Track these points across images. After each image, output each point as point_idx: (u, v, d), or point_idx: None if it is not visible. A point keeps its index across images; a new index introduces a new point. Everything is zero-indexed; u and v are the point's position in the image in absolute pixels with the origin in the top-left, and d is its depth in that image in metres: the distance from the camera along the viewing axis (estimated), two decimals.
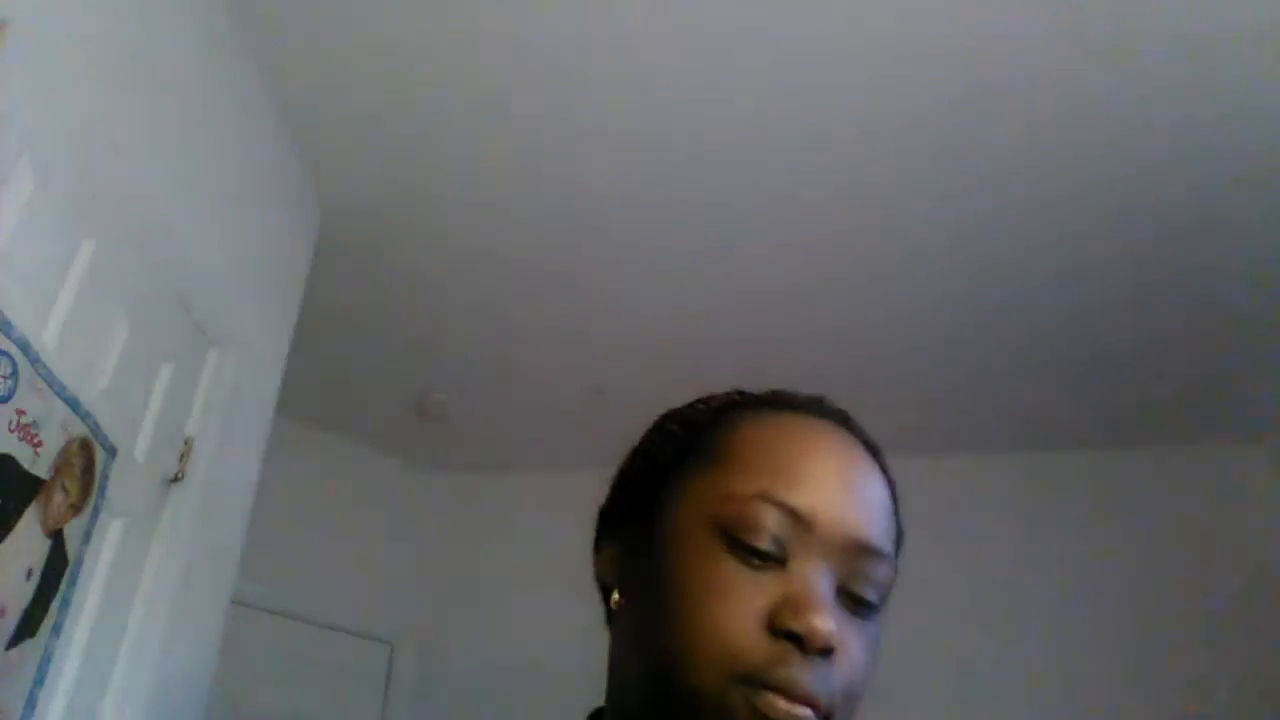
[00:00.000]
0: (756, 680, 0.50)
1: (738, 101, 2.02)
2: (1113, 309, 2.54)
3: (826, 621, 0.51)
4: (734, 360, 2.45)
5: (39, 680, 1.27)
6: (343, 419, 3.32)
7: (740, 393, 0.66)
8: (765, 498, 0.55)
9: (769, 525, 0.54)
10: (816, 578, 0.54)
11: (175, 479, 1.70)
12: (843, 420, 0.64)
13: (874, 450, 0.64)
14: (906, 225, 2.33)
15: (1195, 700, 2.67)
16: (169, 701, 1.63)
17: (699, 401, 0.67)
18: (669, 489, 0.60)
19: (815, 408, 0.64)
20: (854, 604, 0.55)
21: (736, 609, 0.52)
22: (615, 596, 0.61)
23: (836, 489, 0.56)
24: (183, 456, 1.72)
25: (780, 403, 0.64)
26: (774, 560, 0.54)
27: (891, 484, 0.63)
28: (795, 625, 0.51)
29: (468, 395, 3.12)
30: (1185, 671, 2.73)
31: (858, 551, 0.55)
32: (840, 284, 2.54)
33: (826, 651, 0.51)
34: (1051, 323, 2.61)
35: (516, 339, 2.82)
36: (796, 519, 0.54)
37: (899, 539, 0.62)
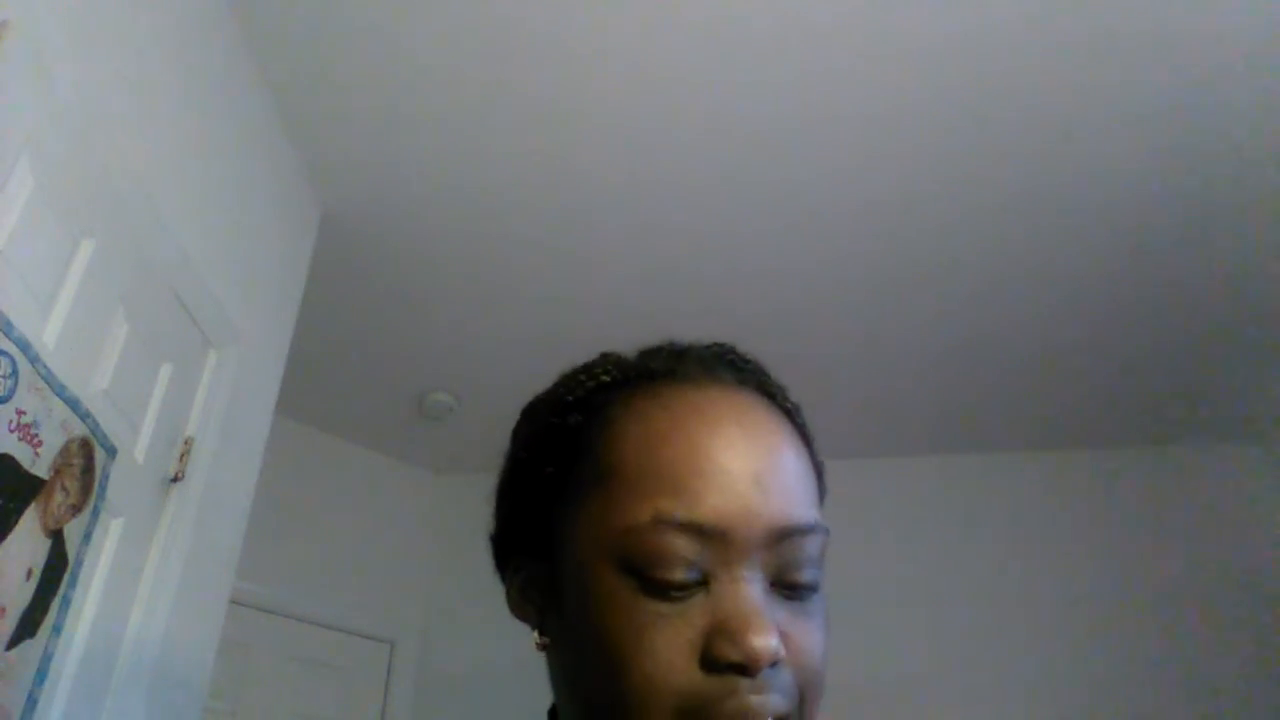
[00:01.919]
0: (709, 717, 0.46)
1: (745, 102, 2.02)
2: (1113, 310, 2.54)
3: (765, 638, 0.46)
4: None
5: (39, 680, 1.26)
6: (343, 419, 3.32)
7: (611, 363, 0.58)
8: (666, 521, 0.48)
9: (678, 551, 0.48)
10: (744, 589, 0.48)
11: (175, 479, 1.70)
12: (736, 374, 0.57)
13: (773, 396, 0.57)
14: (912, 233, 2.33)
15: (1196, 699, 2.67)
16: (169, 701, 1.63)
17: (565, 382, 0.60)
18: (563, 513, 0.54)
19: (704, 368, 0.56)
20: (792, 591, 0.50)
21: (666, 652, 0.47)
22: (536, 638, 0.56)
23: (744, 483, 0.50)
24: (183, 456, 1.72)
25: (657, 372, 0.56)
26: (694, 585, 0.48)
27: (802, 433, 0.57)
28: (733, 655, 0.46)
29: (468, 395, 3.12)
30: (1186, 671, 2.73)
31: (782, 538, 0.50)
32: (845, 287, 2.54)
33: (774, 664, 0.47)
34: (1052, 325, 2.61)
35: (516, 339, 2.82)
36: (706, 535, 0.48)
37: (821, 490, 0.57)
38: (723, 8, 1.82)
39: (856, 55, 1.90)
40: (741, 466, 0.50)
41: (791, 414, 0.57)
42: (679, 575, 0.48)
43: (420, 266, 2.57)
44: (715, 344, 0.60)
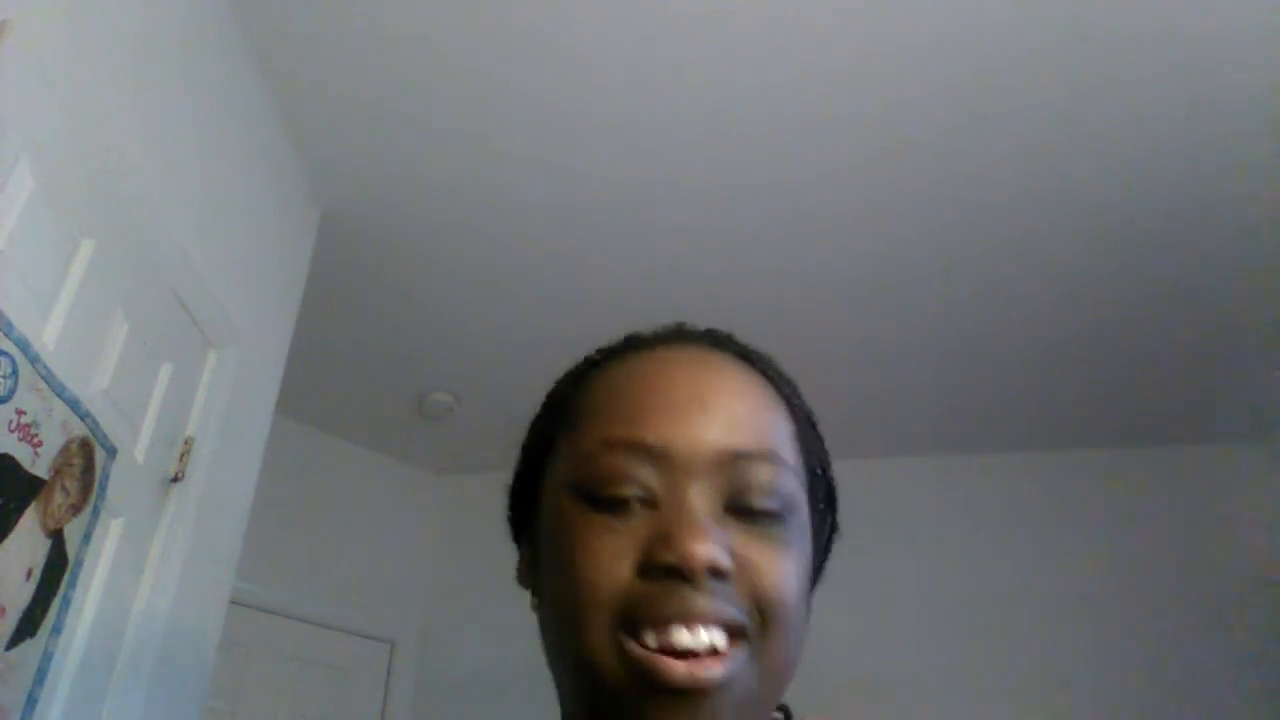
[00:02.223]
0: (644, 622, 0.45)
1: (745, 102, 2.02)
2: (1113, 310, 2.54)
3: (700, 541, 0.46)
4: None
5: (39, 680, 1.27)
6: (343, 419, 3.32)
7: (603, 349, 0.61)
8: (612, 442, 0.50)
9: (624, 470, 0.49)
10: (690, 501, 0.48)
11: (175, 479, 1.70)
12: (709, 340, 0.58)
13: (748, 358, 0.58)
14: (912, 233, 2.33)
15: (1196, 699, 2.67)
16: (169, 701, 1.63)
17: (569, 371, 0.63)
18: (544, 479, 0.56)
19: (670, 339, 0.59)
20: (751, 517, 0.49)
21: (606, 559, 0.47)
22: (531, 600, 0.57)
23: (690, 408, 0.51)
24: (183, 456, 1.72)
25: (632, 346, 0.59)
26: (642, 504, 0.49)
27: (774, 382, 0.57)
28: (668, 557, 0.46)
29: (468, 395, 3.12)
30: (1186, 670, 2.73)
31: (731, 462, 0.50)
32: (846, 287, 2.54)
33: (716, 572, 0.46)
34: (1052, 325, 2.61)
35: (516, 339, 2.82)
36: (650, 453, 0.49)
37: (805, 437, 0.57)
38: (723, 8, 1.82)
39: (856, 55, 1.90)
40: (691, 398, 0.51)
41: (772, 378, 0.57)
42: (624, 491, 0.49)
43: (420, 266, 2.57)
44: (688, 323, 0.61)
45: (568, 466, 0.53)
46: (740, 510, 0.49)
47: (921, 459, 3.21)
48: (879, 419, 3.05)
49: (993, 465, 3.19)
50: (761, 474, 0.50)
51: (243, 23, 1.87)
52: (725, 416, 0.51)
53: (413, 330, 2.84)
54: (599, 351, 0.61)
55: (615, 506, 0.49)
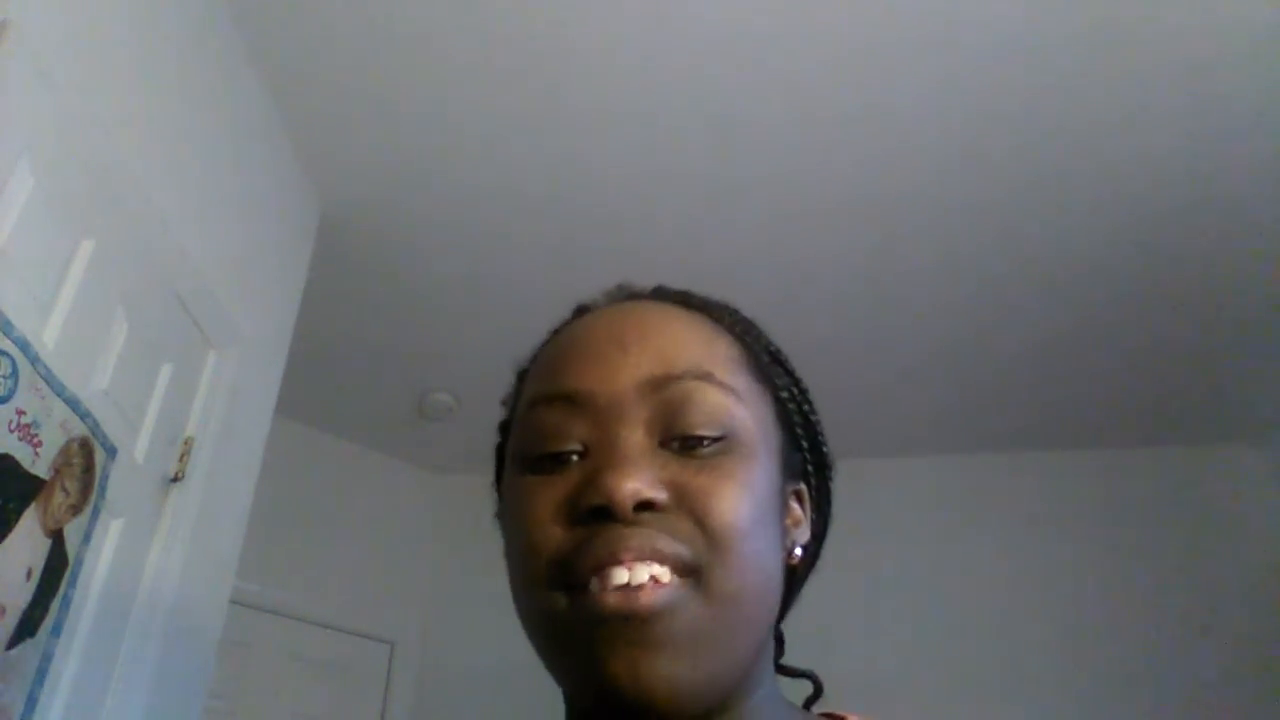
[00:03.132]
0: (582, 570, 0.44)
1: (745, 101, 2.02)
2: (1113, 310, 2.54)
3: (623, 477, 0.44)
4: None
5: (39, 680, 1.26)
6: (343, 419, 3.32)
7: (552, 330, 0.61)
8: (536, 400, 0.50)
9: (551, 422, 0.49)
10: (616, 441, 0.46)
11: (175, 479, 1.70)
12: (653, 295, 0.57)
13: (687, 302, 0.56)
14: (912, 232, 2.33)
15: (1196, 699, 2.67)
16: (169, 701, 1.63)
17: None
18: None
19: (627, 294, 0.58)
20: (688, 445, 0.47)
21: (539, 516, 0.46)
22: None
23: (608, 350, 0.50)
24: (183, 456, 1.72)
25: (579, 313, 0.58)
26: (574, 455, 0.48)
27: (715, 317, 0.55)
28: (592, 497, 0.44)
29: (468, 395, 3.12)
30: (1186, 670, 2.73)
31: (654, 391, 0.48)
32: (846, 287, 2.54)
33: (647, 505, 0.44)
34: (1054, 327, 2.61)
35: (517, 338, 2.81)
36: (574, 402, 0.48)
37: (757, 364, 0.54)
38: (724, 8, 1.82)
39: (857, 53, 1.90)
40: (607, 337, 0.51)
41: (701, 307, 0.55)
42: (555, 445, 0.48)
43: (420, 266, 2.57)
44: (658, 285, 0.60)
45: (512, 437, 0.53)
46: (677, 440, 0.47)
47: (921, 459, 3.21)
48: (879, 419, 3.05)
49: (993, 465, 3.19)
50: (691, 395, 0.48)
51: (242, 23, 1.87)
52: (647, 351, 0.49)
53: (413, 330, 2.84)
54: (552, 330, 0.60)
55: (551, 466, 0.48)
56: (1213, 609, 2.81)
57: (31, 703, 1.25)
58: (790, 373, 0.57)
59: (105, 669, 1.49)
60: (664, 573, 0.43)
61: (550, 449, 0.48)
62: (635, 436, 0.47)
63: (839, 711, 0.56)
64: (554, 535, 0.46)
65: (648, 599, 0.42)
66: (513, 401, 0.58)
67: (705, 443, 0.47)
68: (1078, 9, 1.77)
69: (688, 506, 0.45)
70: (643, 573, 0.43)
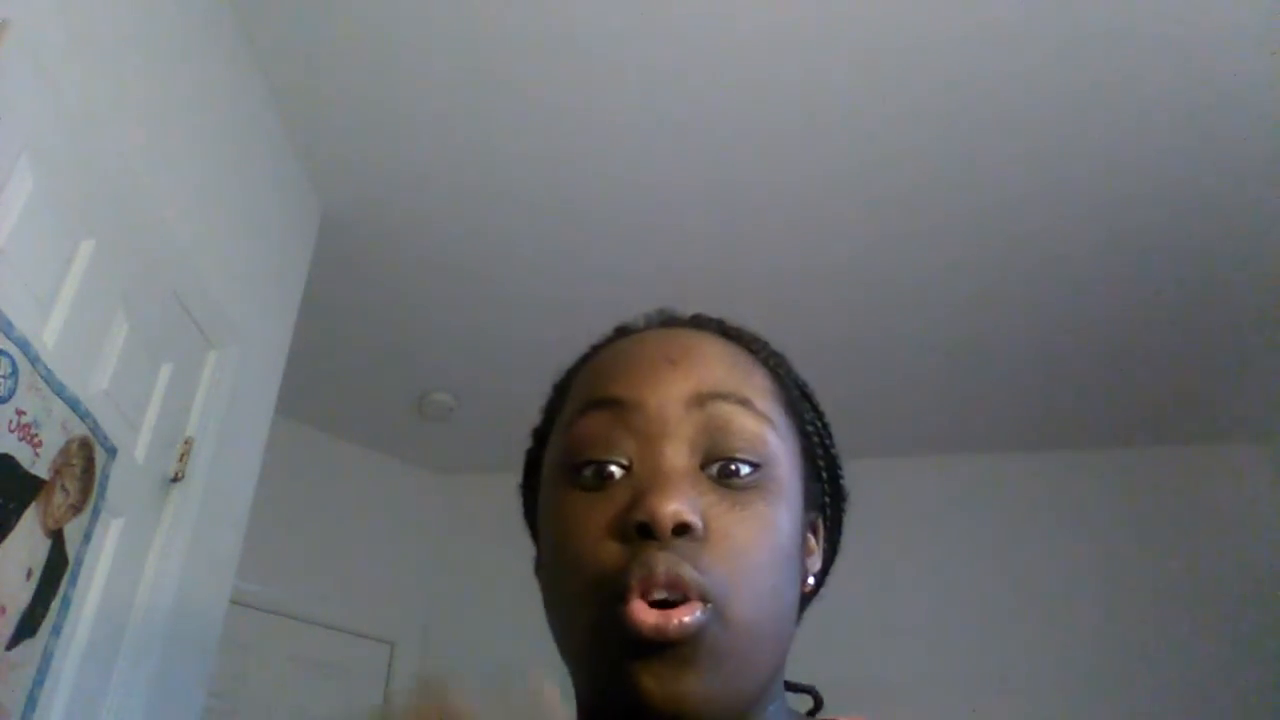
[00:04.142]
0: (620, 587, 0.45)
1: (746, 102, 2.02)
2: (1114, 310, 2.54)
3: (668, 499, 0.46)
4: None
5: (39, 680, 1.26)
6: (343, 419, 3.32)
7: (593, 345, 0.63)
8: (586, 406, 0.52)
9: (599, 432, 0.50)
10: (663, 459, 0.48)
11: (175, 479, 1.70)
12: (693, 323, 0.60)
13: (727, 333, 0.58)
14: (912, 233, 2.33)
15: (1196, 699, 2.67)
16: (169, 701, 1.63)
17: (563, 372, 0.64)
18: (543, 467, 0.57)
19: (667, 319, 0.60)
20: (725, 475, 0.49)
21: (587, 531, 0.48)
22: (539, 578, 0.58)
23: (659, 365, 0.52)
24: (183, 456, 1.72)
25: (622, 333, 0.60)
26: (619, 468, 0.49)
27: (754, 351, 0.57)
28: (637, 515, 0.46)
29: (468, 395, 3.12)
30: (1186, 669, 2.73)
31: (700, 404, 0.50)
32: (846, 287, 2.54)
33: (681, 529, 0.46)
34: (1052, 325, 2.61)
35: (516, 339, 2.82)
36: (623, 408, 0.50)
37: (789, 400, 0.56)
38: (725, 7, 1.82)
39: (859, 56, 1.90)
40: (658, 354, 0.53)
41: (756, 352, 0.57)
42: (600, 454, 0.50)
43: (420, 266, 2.56)
44: (697, 314, 0.62)
45: (555, 445, 0.54)
46: (717, 463, 0.49)
47: (921, 459, 3.21)
48: (879, 419, 3.04)
49: (993, 465, 3.19)
50: (732, 418, 0.50)
51: (243, 23, 1.87)
52: (693, 369, 0.52)
53: (413, 330, 2.84)
54: (592, 345, 0.62)
55: (596, 479, 0.49)
56: (1213, 608, 2.80)
57: (31, 703, 1.25)
58: (816, 408, 0.60)
59: (105, 669, 1.49)
60: (693, 600, 0.45)
61: (596, 456, 0.50)
62: (679, 456, 0.49)
63: (839, 716, 0.58)
64: (601, 551, 0.47)
65: (679, 623, 0.44)
66: (550, 411, 0.60)
67: (742, 471, 0.49)
68: (1081, 12, 1.77)
69: (719, 542, 0.47)
70: (674, 596, 0.45)
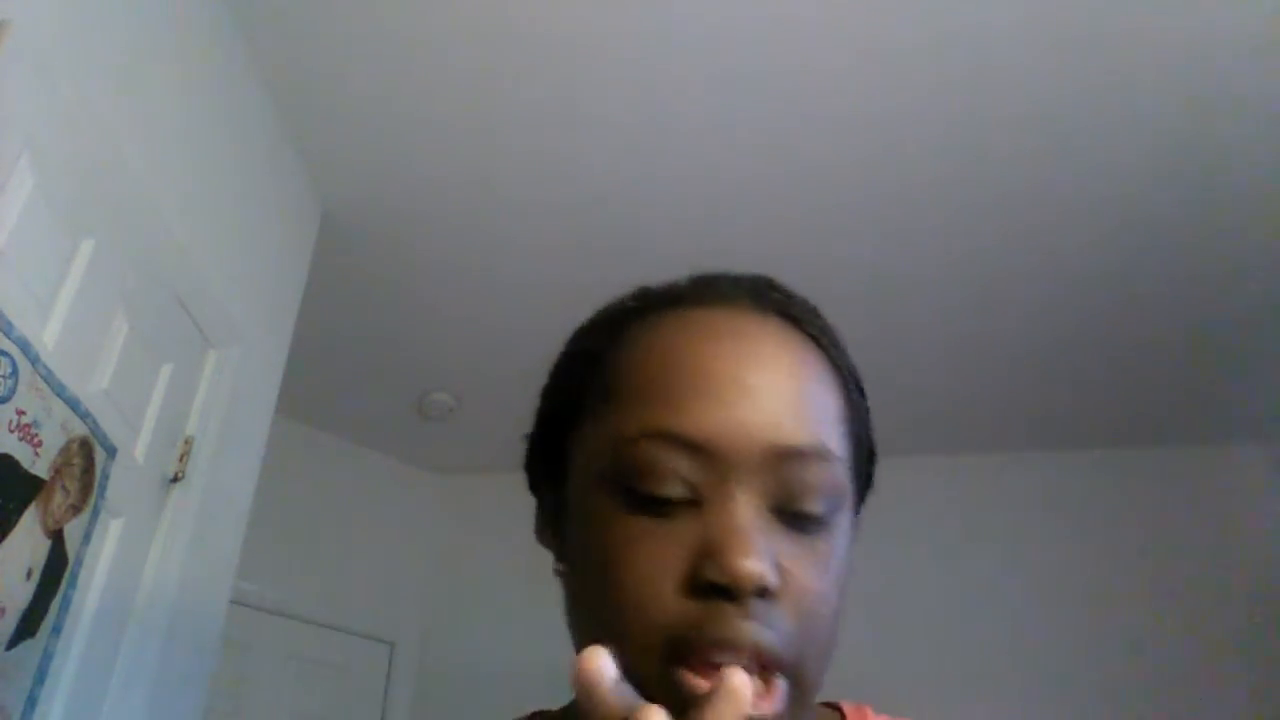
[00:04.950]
0: (690, 649, 0.43)
1: (745, 101, 2.02)
2: (1113, 309, 2.54)
3: (752, 559, 0.43)
4: None
5: (39, 680, 1.26)
6: (343, 419, 3.32)
7: (638, 293, 0.57)
8: (653, 434, 0.46)
9: (665, 464, 0.46)
10: (734, 508, 0.45)
11: (175, 479, 1.70)
12: (751, 296, 0.55)
13: (798, 321, 0.53)
14: (912, 233, 2.33)
15: (1197, 699, 2.67)
16: (169, 701, 1.63)
17: (594, 313, 0.58)
18: (571, 438, 0.53)
19: (727, 294, 0.55)
20: (796, 521, 0.46)
21: (649, 573, 0.44)
22: (556, 567, 0.54)
23: (738, 396, 0.47)
24: (183, 456, 1.72)
25: (679, 298, 0.55)
26: (685, 503, 0.45)
27: (821, 344, 0.53)
28: (716, 576, 0.43)
29: (468, 395, 3.12)
30: (1187, 670, 2.73)
31: (782, 459, 0.46)
32: (845, 287, 2.54)
33: (762, 592, 0.43)
34: (1055, 327, 2.61)
35: (517, 338, 2.82)
36: (696, 449, 0.46)
37: (855, 422, 0.53)
38: (723, 7, 1.82)
39: (858, 54, 1.90)
40: (739, 383, 0.47)
41: (818, 339, 0.53)
42: (665, 489, 0.46)
43: (420, 266, 2.56)
44: (752, 275, 0.58)
45: (601, 448, 0.49)
46: (789, 514, 0.46)
47: (922, 459, 3.21)
48: (878, 419, 3.03)
49: (993, 465, 3.19)
50: (811, 474, 0.47)
51: (242, 23, 1.87)
52: (772, 403, 0.47)
53: (413, 330, 2.84)
54: (634, 297, 0.57)
55: (656, 506, 0.46)
56: (1213, 608, 2.80)
57: (31, 703, 1.25)
58: (865, 400, 0.57)
59: (105, 669, 1.49)
60: (774, 683, 0.44)
61: (661, 493, 0.46)
62: (753, 502, 0.46)
63: (832, 699, 0.59)
64: (665, 601, 0.44)
65: (770, 714, 0.43)
66: (579, 386, 0.54)
67: (812, 522, 0.47)
68: (1081, 12, 1.77)
69: (792, 598, 0.45)
70: (752, 667, 0.43)
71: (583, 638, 0.49)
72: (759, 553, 0.43)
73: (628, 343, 0.53)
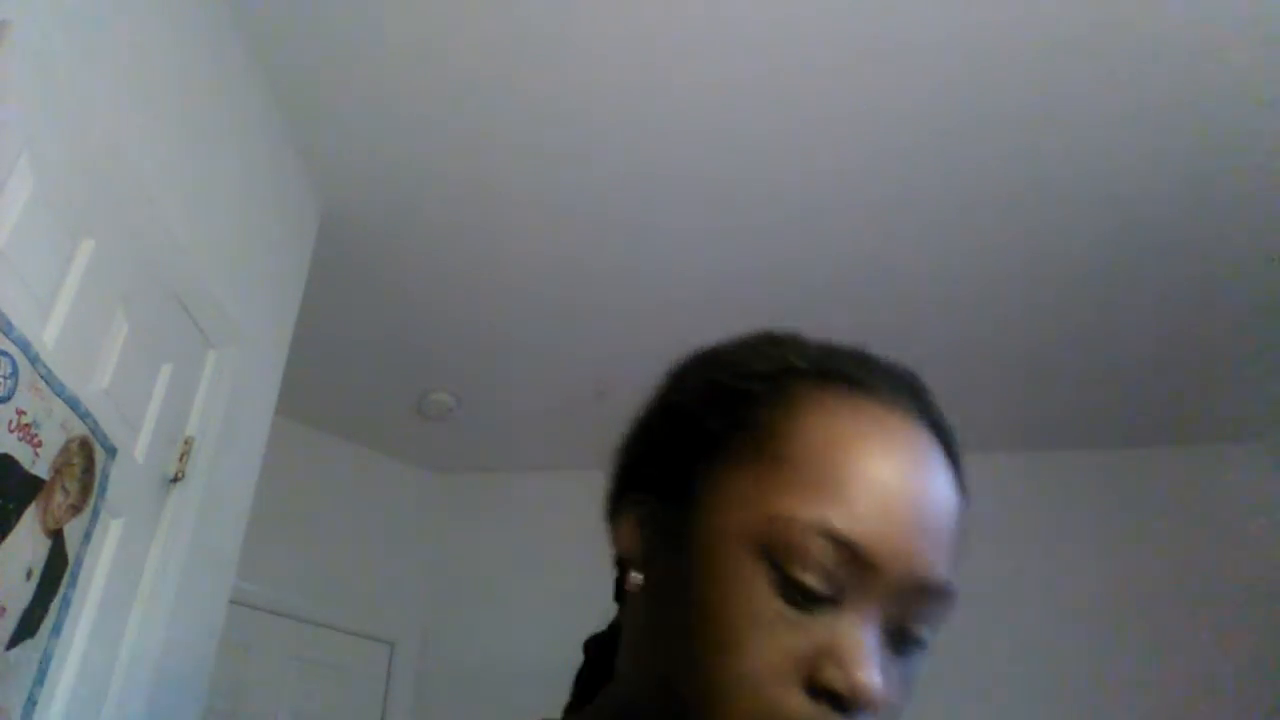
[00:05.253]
0: None
1: (745, 101, 2.02)
2: (1113, 310, 2.54)
3: (874, 679, 0.45)
4: None
5: (39, 680, 1.26)
6: (343, 419, 3.32)
7: (802, 349, 0.58)
8: (825, 531, 0.47)
9: (824, 559, 0.47)
10: (869, 624, 0.47)
11: (175, 479, 1.70)
12: (923, 409, 0.56)
13: (948, 445, 0.55)
14: (910, 233, 2.33)
15: (1197, 699, 2.67)
16: (169, 701, 1.63)
17: (751, 349, 0.58)
18: (709, 471, 0.52)
19: (893, 390, 0.55)
20: (904, 642, 0.49)
21: (776, 658, 0.46)
22: (634, 576, 0.54)
23: (908, 520, 0.49)
24: (183, 456, 1.72)
25: (850, 378, 0.55)
26: (826, 600, 0.47)
27: (964, 491, 0.55)
28: (838, 685, 0.45)
29: (468, 395, 3.12)
30: (1187, 670, 2.73)
31: (921, 592, 0.49)
32: (844, 287, 2.54)
33: (869, 708, 0.46)
34: (1055, 327, 2.61)
35: (517, 339, 2.82)
36: (858, 557, 0.47)
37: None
38: (723, 7, 1.82)
39: (857, 54, 1.90)
40: (911, 506, 0.49)
41: (959, 467, 0.55)
42: (816, 582, 0.47)
43: (420, 266, 2.57)
44: (897, 364, 0.59)
45: (762, 519, 0.49)
46: (902, 633, 0.49)
47: None
48: None
49: (993, 465, 3.19)
50: (939, 609, 0.50)
51: (242, 23, 1.87)
52: (936, 543, 0.50)
53: (413, 330, 2.84)
54: (803, 352, 0.57)
55: (802, 596, 0.47)
56: (1212, 608, 2.80)
57: (31, 703, 1.25)
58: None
59: (105, 669, 1.49)
60: None
61: (813, 587, 0.47)
62: (880, 626, 0.48)
63: None
64: (790, 694, 0.46)
65: None
66: (720, 429, 0.54)
67: (919, 646, 0.50)
68: (1078, 11, 1.77)
69: (882, 714, 0.47)
70: None
71: (674, 668, 0.49)
72: (880, 676, 0.46)
73: (796, 410, 0.52)
